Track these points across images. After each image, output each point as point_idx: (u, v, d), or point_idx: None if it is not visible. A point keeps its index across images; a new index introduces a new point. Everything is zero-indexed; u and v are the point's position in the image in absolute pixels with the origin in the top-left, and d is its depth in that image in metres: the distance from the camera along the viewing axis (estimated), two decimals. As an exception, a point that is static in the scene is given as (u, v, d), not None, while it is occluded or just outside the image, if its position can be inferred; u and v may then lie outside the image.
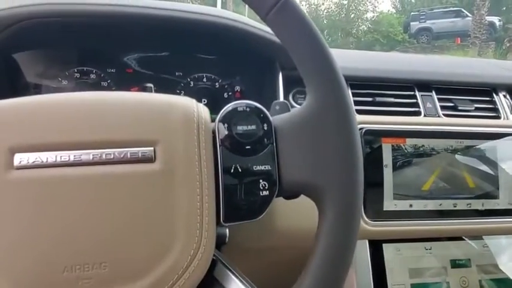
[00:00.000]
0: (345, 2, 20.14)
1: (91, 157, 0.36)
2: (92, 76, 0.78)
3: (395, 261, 0.66)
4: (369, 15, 20.44)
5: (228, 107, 0.42)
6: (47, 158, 0.35)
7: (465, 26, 14.53)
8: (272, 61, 0.75)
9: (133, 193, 0.36)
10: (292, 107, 0.78)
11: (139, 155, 0.37)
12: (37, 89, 0.75)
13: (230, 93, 0.83)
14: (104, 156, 0.36)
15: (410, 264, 0.66)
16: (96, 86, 0.78)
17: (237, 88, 0.83)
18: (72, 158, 0.36)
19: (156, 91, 0.80)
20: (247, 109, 0.42)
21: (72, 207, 0.35)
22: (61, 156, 0.35)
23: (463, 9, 15.76)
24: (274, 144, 0.41)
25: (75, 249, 0.34)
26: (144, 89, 0.80)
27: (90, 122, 0.37)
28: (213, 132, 0.41)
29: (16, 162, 0.35)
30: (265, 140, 0.41)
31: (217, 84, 0.83)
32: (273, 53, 0.73)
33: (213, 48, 0.78)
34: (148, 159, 0.37)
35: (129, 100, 0.40)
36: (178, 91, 0.81)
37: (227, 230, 0.51)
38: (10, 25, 0.63)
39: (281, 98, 0.72)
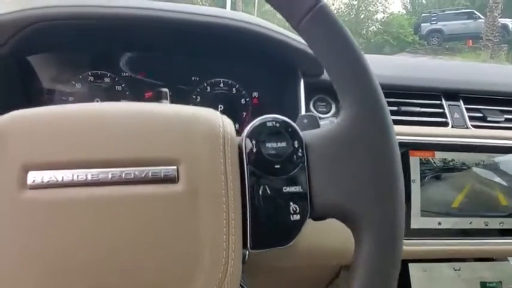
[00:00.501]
0: (355, 3, 19.99)
1: (109, 176, 0.33)
2: (106, 80, 0.76)
3: (421, 282, 0.62)
4: (379, 16, 20.27)
5: (256, 121, 0.39)
6: (63, 177, 0.32)
7: (477, 28, 14.33)
8: (293, 67, 0.71)
9: (155, 217, 0.33)
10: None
11: (162, 175, 0.34)
12: (50, 93, 0.73)
13: (247, 99, 0.80)
14: (123, 176, 0.33)
15: (437, 286, 0.62)
16: (110, 90, 0.75)
17: (255, 94, 0.80)
18: (89, 178, 0.33)
19: (172, 96, 0.77)
20: (277, 124, 0.39)
21: (88, 232, 0.32)
22: (78, 176, 0.33)
23: (475, 11, 15.54)
24: (306, 163, 0.38)
25: (91, 277, 0.32)
26: (159, 94, 0.77)
27: (108, 138, 0.34)
28: (239, 148, 0.38)
29: (30, 181, 0.32)
30: (296, 158, 0.38)
31: (234, 90, 0.80)
32: (294, 59, 0.70)
33: (231, 52, 0.75)
34: (171, 180, 0.34)
35: (149, 113, 0.37)
36: (194, 96, 0.78)
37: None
38: (24, 27, 0.60)
39: (303, 106, 0.69)
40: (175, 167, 0.34)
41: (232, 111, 0.79)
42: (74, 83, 0.74)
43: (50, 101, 0.73)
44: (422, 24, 16.35)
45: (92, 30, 0.65)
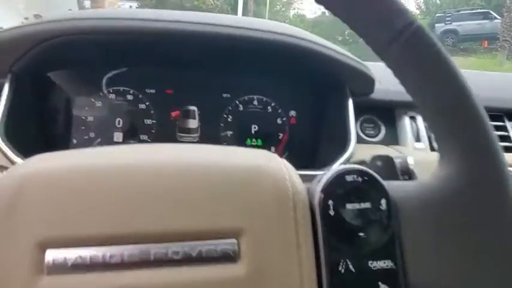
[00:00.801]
0: (368, 3, 19.66)
1: (151, 256, 0.25)
2: (129, 97, 0.68)
3: None
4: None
5: (331, 175, 0.30)
6: (90, 258, 0.25)
7: (493, 28, 13.99)
8: (340, 85, 0.63)
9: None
10: (359, 136, 0.66)
11: (218, 251, 0.26)
12: (68, 113, 0.66)
13: (284, 119, 0.71)
14: (168, 254, 0.25)
15: None
16: (133, 109, 0.68)
17: (292, 113, 0.72)
18: (125, 258, 0.25)
19: (201, 115, 0.70)
20: (358, 178, 0.30)
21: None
22: (110, 255, 0.25)
23: (491, 11, 15.18)
24: (397, 230, 0.29)
25: None
26: (187, 113, 0.69)
27: (147, 205, 0.26)
28: (310, 208, 0.30)
29: (48, 263, 0.24)
30: (385, 223, 0.29)
31: (269, 108, 0.71)
32: (342, 76, 0.62)
33: (268, 68, 0.67)
34: (230, 258, 0.26)
35: (196, 167, 0.29)
36: (225, 115, 0.70)
37: None
38: (40, 42, 0.53)
39: (352, 128, 0.60)
40: (234, 241, 0.26)
41: (267, 132, 0.71)
42: (93, 100, 0.67)
43: (67, 122, 0.66)
44: (436, 25, 16.04)
45: (116, 45, 0.57)
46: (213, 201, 0.27)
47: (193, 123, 0.69)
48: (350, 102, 0.62)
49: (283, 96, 0.71)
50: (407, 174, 0.40)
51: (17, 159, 0.51)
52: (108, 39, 0.54)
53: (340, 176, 0.30)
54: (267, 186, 0.28)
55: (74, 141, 0.66)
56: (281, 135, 0.71)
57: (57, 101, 0.66)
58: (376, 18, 0.29)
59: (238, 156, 0.31)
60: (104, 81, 0.67)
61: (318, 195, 0.30)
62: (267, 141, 0.71)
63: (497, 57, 12.12)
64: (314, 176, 0.55)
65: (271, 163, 0.31)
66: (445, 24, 16.08)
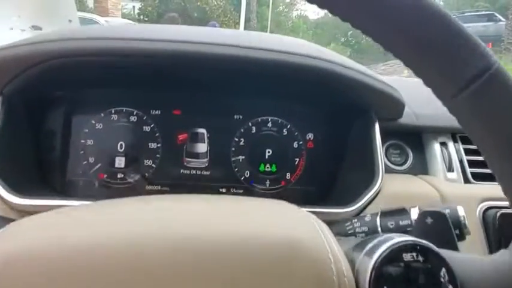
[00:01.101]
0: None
1: None
2: (132, 119, 0.62)
3: None
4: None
5: (385, 251, 0.25)
6: None
7: (498, 30, 13.88)
8: (365, 109, 0.57)
9: None
10: (384, 164, 0.60)
11: None
12: (65, 137, 0.60)
13: (300, 143, 0.65)
14: None
15: None
16: (136, 131, 0.62)
17: (309, 136, 0.66)
18: None
19: (210, 138, 0.64)
20: (419, 257, 0.25)
21: None
22: None
23: (495, 13, 15.09)
24: None
25: None
26: (195, 136, 0.64)
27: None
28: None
29: None
30: None
31: (285, 130, 0.65)
32: (368, 99, 0.56)
33: (285, 89, 0.61)
34: None
35: (228, 244, 0.23)
36: (236, 139, 0.64)
37: None
38: (36, 64, 0.47)
39: (379, 157, 0.54)
40: None
41: (282, 157, 0.65)
42: (93, 122, 0.61)
43: (65, 147, 0.60)
44: (440, 26, 15.94)
45: (119, 66, 0.52)
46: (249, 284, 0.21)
47: (202, 147, 0.63)
48: (376, 128, 0.56)
49: (300, 118, 0.65)
50: (459, 228, 0.34)
51: (8, 197, 0.46)
52: (111, 60, 0.49)
53: (396, 252, 0.25)
54: (305, 262, 0.23)
55: (71, 168, 0.60)
56: (297, 160, 0.65)
57: (53, 124, 0.60)
58: (446, 62, 0.23)
59: (271, 226, 0.25)
60: (105, 101, 0.62)
61: (368, 274, 0.24)
62: (281, 167, 0.65)
63: (502, 60, 12.03)
64: (340, 215, 0.48)
65: (310, 235, 0.25)
66: (449, 26, 15.98)
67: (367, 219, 0.40)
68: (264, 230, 0.25)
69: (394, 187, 0.54)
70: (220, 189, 0.64)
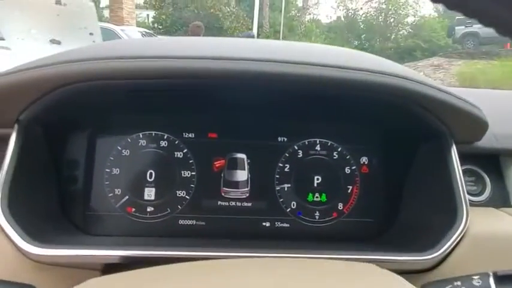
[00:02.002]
0: (384, 6, 19.34)
1: None
2: (163, 144, 0.55)
3: None
4: (410, 19, 19.53)
5: None
6: None
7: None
8: (439, 130, 0.48)
9: None
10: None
11: None
12: (88, 166, 0.53)
13: (354, 168, 0.57)
14: None
15: None
16: (167, 158, 0.55)
17: (364, 160, 0.57)
18: None
19: (251, 164, 0.56)
20: None
21: None
22: None
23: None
24: None
25: None
26: (234, 162, 0.56)
27: None
28: None
29: None
30: None
31: (335, 154, 0.57)
32: (444, 120, 0.47)
33: (339, 109, 0.53)
34: None
35: None
36: (281, 164, 0.56)
37: None
38: (60, 86, 0.41)
39: (459, 185, 0.45)
40: None
41: (333, 184, 0.56)
42: (119, 149, 0.54)
43: (87, 177, 0.53)
44: (456, 27, 15.63)
45: (148, 87, 0.44)
46: None
47: (241, 175, 0.55)
48: (453, 153, 0.47)
49: (352, 140, 0.57)
50: None
51: (25, 246, 0.38)
52: (144, 82, 0.41)
53: None
54: None
55: (95, 201, 0.53)
56: (350, 187, 0.57)
57: (75, 152, 0.53)
58: None
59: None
60: (132, 124, 0.55)
61: None
62: (332, 196, 0.56)
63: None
64: (420, 263, 0.39)
65: None
66: (466, 27, 15.70)
67: (476, 283, 0.31)
68: None
69: (480, 226, 0.44)
70: (264, 223, 0.55)
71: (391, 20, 19.59)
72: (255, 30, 11.93)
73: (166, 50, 0.43)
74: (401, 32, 19.57)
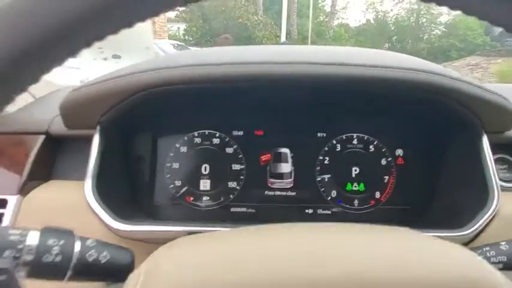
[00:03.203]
0: (416, 7, 18.91)
1: None
2: (215, 141, 0.62)
3: None
4: (443, 18, 18.95)
5: None
6: None
7: None
8: (471, 121, 0.52)
9: None
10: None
11: None
12: (152, 160, 0.61)
13: (389, 159, 0.61)
14: None
15: None
16: (219, 153, 0.62)
17: (399, 152, 0.62)
18: None
19: (294, 158, 0.62)
20: None
21: None
22: None
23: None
24: None
25: None
26: (279, 156, 0.62)
27: None
28: None
29: None
30: None
31: (371, 147, 0.62)
32: (476, 112, 0.51)
33: (374, 104, 0.58)
34: None
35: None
36: (321, 157, 0.62)
37: None
38: (135, 93, 0.49)
39: (491, 170, 0.49)
40: None
41: (370, 175, 0.61)
42: (178, 146, 0.62)
43: (152, 171, 0.61)
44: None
45: (208, 91, 0.52)
46: None
47: (286, 168, 0.61)
48: (485, 142, 0.51)
49: (387, 134, 0.61)
50: None
51: (113, 223, 0.46)
52: (202, 87, 0.49)
53: None
54: None
55: (159, 192, 0.61)
56: (386, 177, 0.61)
57: (141, 150, 0.61)
58: None
59: (439, 264, 0.22)
60: (188, 124, 0.62)
61: None
62: (370, 186, 0.61)
63: None
64: (455, 239, 0.43)
65: (485, 274, 0.22)
66: (504, 23, 14.98)
67: (503, 247, 0.35)
68: (436, 269, 0.22)
69: (511, 208, 0.48)
70: (306, 210, 0.61)
71: (423, 20, 19.07)
72: (283, 38, 12.02)
73: (243, 57, 0.50)
74: (434, 32, 19.01)
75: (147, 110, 0.57)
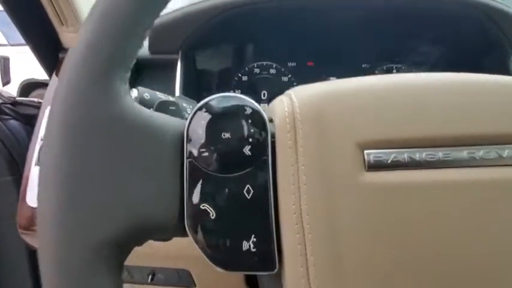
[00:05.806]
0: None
1: (465, 156, 0.26)
2: (272, 71, 0.71)
3: None
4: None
5: None
6: (408, 157, 0.26)
7: None
8: (499, 42, 0.60)
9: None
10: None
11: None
12: (218, 88, 0.70)
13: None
14: (480, 155, 0.26)
15: None
16: (276, 81, 0.71)
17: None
18: (440, 156, 0.26)
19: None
20: None
21: (451, 221, 0.25)
22: (426, 155, 0.26)
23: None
24: None
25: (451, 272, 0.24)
26: (327, 84, 0.71)
27: (453, 111, 0.27)
28: None
29: (368, 161, 0.26)
30: None
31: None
32: (504, 32, 0.59)
33: (417, 31, 0.66)
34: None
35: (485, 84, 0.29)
36: (364, 85, 0.71)
37: None
38: (214, 16, 0.57)
39: None
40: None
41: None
42: (240, 75, 0.71)
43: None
44: None
45: (273, 17, 0.60)
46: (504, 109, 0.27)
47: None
48: None
49: (427, 61, 0.70)
50: None
51: None
52: (271, 10, 0.57)
53: None
54: None
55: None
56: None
57: (208, 77, 0.70)
58: None
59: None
60: (248, 56, 0.71)
61: None
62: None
63: None
64: None
65: None
66: None
67: None
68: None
69: None
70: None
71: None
72: None
73: None
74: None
75: (219, 38, 0.66)
